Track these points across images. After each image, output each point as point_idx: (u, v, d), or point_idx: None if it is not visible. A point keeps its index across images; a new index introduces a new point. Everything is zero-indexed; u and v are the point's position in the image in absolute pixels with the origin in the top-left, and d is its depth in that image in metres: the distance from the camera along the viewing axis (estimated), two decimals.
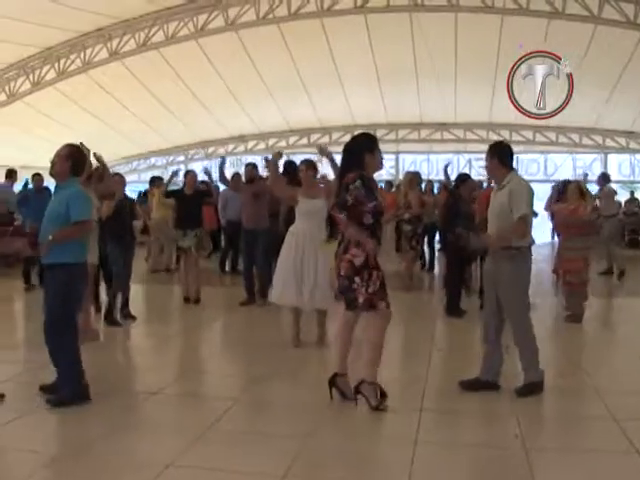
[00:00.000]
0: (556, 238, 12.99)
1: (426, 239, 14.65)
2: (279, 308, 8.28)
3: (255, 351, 7.69)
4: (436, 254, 15.08)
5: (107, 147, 24.05)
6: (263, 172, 11.12)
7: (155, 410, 5.62)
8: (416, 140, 26.03)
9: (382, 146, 5.79)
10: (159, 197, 14.50)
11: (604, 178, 14.63)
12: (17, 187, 14.30)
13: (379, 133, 22.93)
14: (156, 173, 23.24)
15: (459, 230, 9.53)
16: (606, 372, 7.05)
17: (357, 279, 5.38)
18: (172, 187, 11.75)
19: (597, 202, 14.51)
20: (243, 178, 11.35)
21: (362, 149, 5.55)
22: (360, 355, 5.64)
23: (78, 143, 6.49)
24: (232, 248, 13.71)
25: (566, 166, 25.62)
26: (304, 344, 7.72)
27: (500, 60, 17.05)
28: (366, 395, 5.42)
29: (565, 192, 9.88)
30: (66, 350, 5.55)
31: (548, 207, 10.14)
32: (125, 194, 9.40)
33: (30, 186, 12.80)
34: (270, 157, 8.12)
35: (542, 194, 18.97)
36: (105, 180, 8.25)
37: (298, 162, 9.16)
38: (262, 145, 27.25)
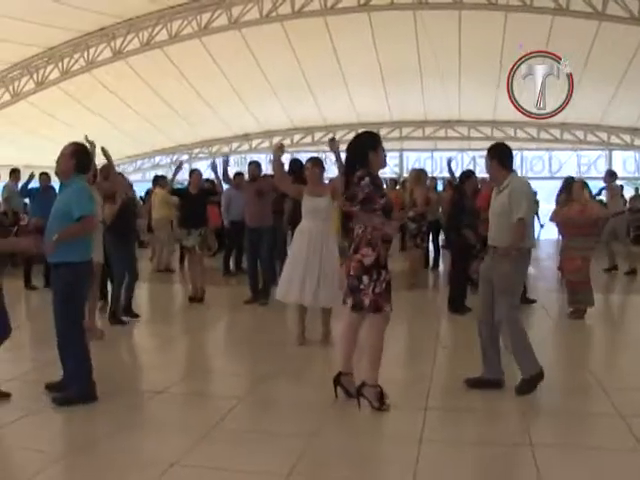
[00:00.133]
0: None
1: (430, 237, 14.62)
2: (283, 306, 8.28)
3: (260, 350, 7.69)
4: (440, 252, 15.06)
5: (111, 146, 23.91)
6: (268, 169, 11.14)
7: (160, 409, 5.63)
8: (420, 138, 26.01)
9: (386, 144, 5.80)
10: (162, 196, 14.53)
11: (610, 175, 14.57)
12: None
13: (383, 131, 22.93)
14: (160, 172, 23.26)
15: (464, 231, 9.56)
16: (611, 369, 7.06)
17: (365, 278, 5.36)
18: (176, 185, 11.76)
19: (604, 199, 14.54)
20: (246, 176, 11.35)
21: (365, 147, 5.53)
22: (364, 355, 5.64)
23: (83, 137, 6.52)
24: (236, 247, 13.70)
25: (570, 163, 25.59)
26: (309, 342, 7.71)
27: (504, 57, 17.01)
28: (368, 397, 5.42)
29: (566, 190, 9.86)
30: (74, 348, 5.57)
31: (554, 218, 9.96)
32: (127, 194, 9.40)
33: (35, 182, 12.77)
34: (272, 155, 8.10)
35: (546, 192, 19.03)
36: (111, 178, 8.26)
37: (303, 160, 9.16)
38: (266, 143, 27.25)
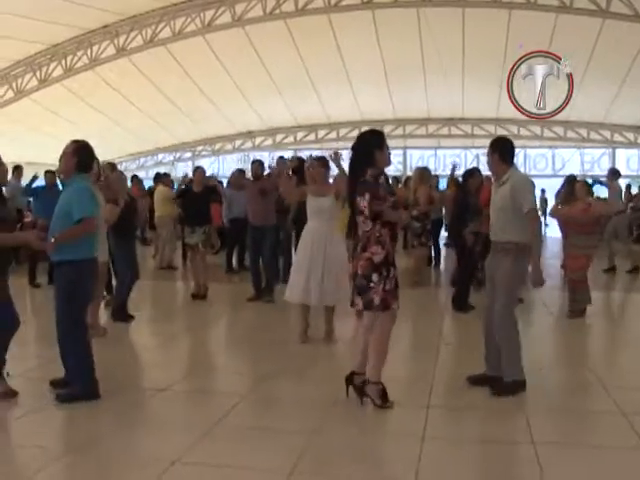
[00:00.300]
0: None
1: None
2: (286, 304, 8.27)
3: (262, 347, 7.69)
4: (441, 250, 15.06)
5: (114, 144, 24.28)
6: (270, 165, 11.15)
7: (163, 406, 5.63)
8: (424, 135, 26.00)
9: (389, 141, 5.77)
10: (164, 193, 14.56)
11: (613, 174, 14.54)
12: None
13: (387, 129, 22.91)
14: (163, 169, 23.28)
15: (464, 233, 9.56)
16: (612, 367, 7.06)
17: (375, 276, 5.34)
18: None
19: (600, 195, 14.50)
20: (249, 175, 11.36)
21: (371, 146, 5.51)
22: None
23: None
24: (238, 244, 13.71)
25: (574, 161, 25.57)
26: (311, 340, 7.72)
27: (508, 55, 16.98)
28: (370, 395, 5.41)
29: (568, 188, 9.86)
30: (76, 347, 5.57)
31: (555, 212, 9.96)
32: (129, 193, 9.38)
33: (39, 181, 12.77)
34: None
35: (549, 190, 19.00)
36: (112, 186, 8.29)
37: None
38: (269, 141, 27.27)
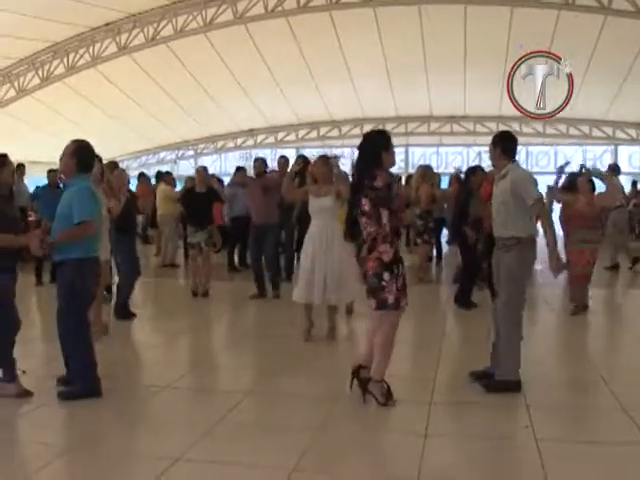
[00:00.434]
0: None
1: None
2: (289, 302, 8.28)
3: (265, 345, 7.71)
4: (443, 247, 15.07)
5: (116, 142, 24.28)
6: (273, 165, 11.16)
7: (165, 404, 5.64)
8: (425, 133, 25.94)
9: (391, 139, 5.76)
10: (166, 192, 14.58)
11: (612, 170, 14.51)
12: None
13: (388, 126, 22.86)
14: (165, 168, 23.29)
15: (465, 229, 9.55)
16: (614, 364, 7.05)
17: (387, 275, 5.32)
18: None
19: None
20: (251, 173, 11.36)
21: (378, 147, 5.50)
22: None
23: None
24: (240, 242, 13.73)
25: (576, 158, 25.52)
26: (314, 338, 7.72)
27: (510, 52, 16.93)
28: (373, 393, 5.42)
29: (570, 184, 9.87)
30: (77, 345, 5.57)
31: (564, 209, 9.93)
32: (129, 189, 9.39)
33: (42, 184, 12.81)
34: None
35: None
36: (113, 184, 8.31)
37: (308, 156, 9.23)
38: (271, 139, 27.24)
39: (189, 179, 13.82)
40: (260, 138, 27.58)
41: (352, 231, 5.58)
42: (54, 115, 20.64)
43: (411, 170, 20.80)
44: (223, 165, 28.21)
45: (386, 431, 5.17)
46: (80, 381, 5.55)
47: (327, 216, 7.59)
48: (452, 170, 13.35)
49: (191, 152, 28.90)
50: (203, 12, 17.14)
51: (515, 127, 23.79)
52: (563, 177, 9.79)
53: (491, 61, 18.19)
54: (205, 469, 4.30)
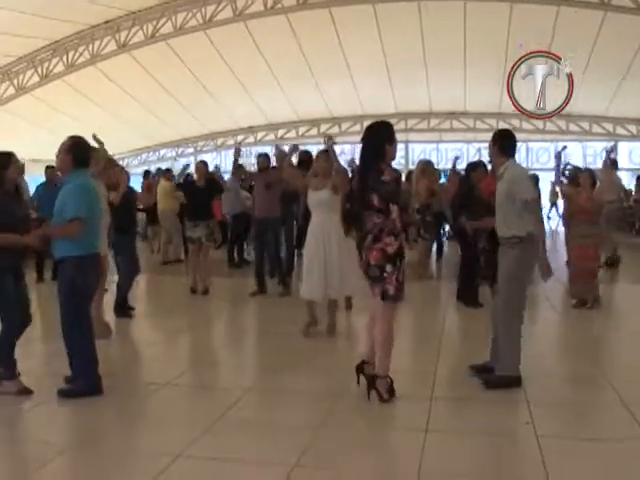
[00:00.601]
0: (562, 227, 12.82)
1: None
2: (290, 298, 8.28)
3: (265, 341, 7.71)
4: (444, 243, 15.05)
5: (116, 139, 24.17)
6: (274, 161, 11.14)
7: (165, 401, 5.63)
8: (425, 129, 25.94)
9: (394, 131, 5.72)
10: (166, 188, 14.58)
11: (611, 163, 14.48)
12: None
13: None
14: (165, 165, 23.28)
15: (461, 220, 9.53)
16: (615, 360, 7.05)
17: (389, 267, 5.33)
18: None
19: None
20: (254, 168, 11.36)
21: (382, 140, 5.48)
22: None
23: (92, 135, 6.48)
24: (238, 238, 13.74)
25: (576, 154, 25.50)
26: (314, 334, 7.72)
27: (509, 49, 16.95)
28: (380, 390, 5.41)
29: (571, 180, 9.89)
30: (79, 342, 5.57)
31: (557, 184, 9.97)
32: (129, 186, 9.37)
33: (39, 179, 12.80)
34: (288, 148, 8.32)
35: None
36: (114, 179, 8.30)
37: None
38: (271, 136, 27.23)
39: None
40: (260, 135, 27.58)
41: (351, 225, 5.58)
42: (54, 113, 20.64)
43: (411, 166, 20.78)
44: (223, 162, 28.20)
45: (387, 427, 5.17)
46: (82, 378, 5.54)
47: (325, 210, 7.58)
48: (452, 161, 13.23)
49: (191, 149, 28.90)
50: (202, 9, 17.16)
51: (515, 123, 23.81)
52: (563, 158, 9.77)
53: (491, 57, 18.19)
54: (206, 466, 4.30)
